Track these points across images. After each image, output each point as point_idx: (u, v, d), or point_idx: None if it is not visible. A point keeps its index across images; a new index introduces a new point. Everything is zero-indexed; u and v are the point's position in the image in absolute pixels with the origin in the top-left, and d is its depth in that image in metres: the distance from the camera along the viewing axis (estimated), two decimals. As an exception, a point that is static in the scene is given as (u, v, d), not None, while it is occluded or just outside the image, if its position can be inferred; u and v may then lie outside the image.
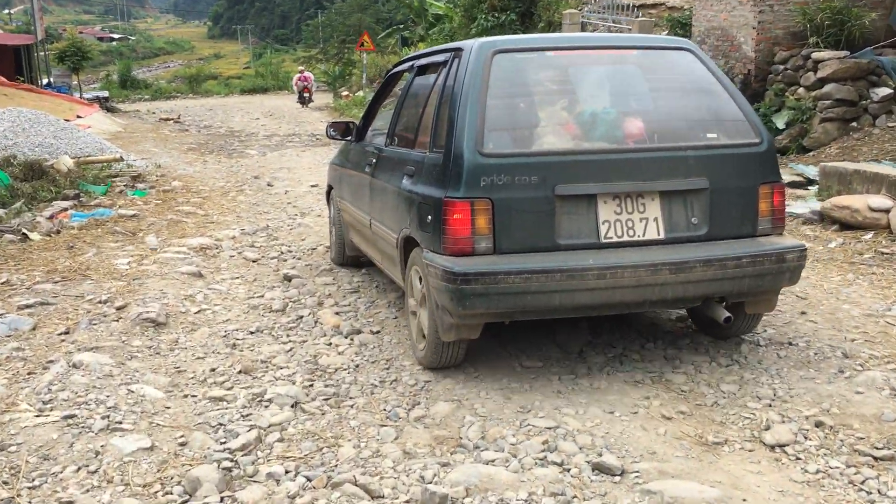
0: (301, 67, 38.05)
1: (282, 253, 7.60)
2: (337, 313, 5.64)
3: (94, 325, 5.34)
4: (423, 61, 5.04)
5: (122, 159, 13.06)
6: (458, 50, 4.35)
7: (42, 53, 35.01)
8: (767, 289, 4.17)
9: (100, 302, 5.83)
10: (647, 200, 3.98)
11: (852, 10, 11.77)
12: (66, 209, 9.45)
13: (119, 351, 4.86)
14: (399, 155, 4.85)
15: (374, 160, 5.32)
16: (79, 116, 21.37)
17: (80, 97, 30.53)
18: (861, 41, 11.82)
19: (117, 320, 5.44)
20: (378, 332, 5.22)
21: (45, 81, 33.24)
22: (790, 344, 4.77)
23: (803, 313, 5.32)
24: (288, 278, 6.55)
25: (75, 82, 35.45)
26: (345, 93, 30.75)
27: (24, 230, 8.00)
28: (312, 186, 11.61)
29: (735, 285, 4.00)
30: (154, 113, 30.42)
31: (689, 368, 4.46)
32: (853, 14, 11.70)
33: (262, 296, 6.15)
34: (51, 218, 8.88)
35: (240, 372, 4.55)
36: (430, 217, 4.00)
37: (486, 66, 4.04)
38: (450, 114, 4.04)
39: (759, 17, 12.29)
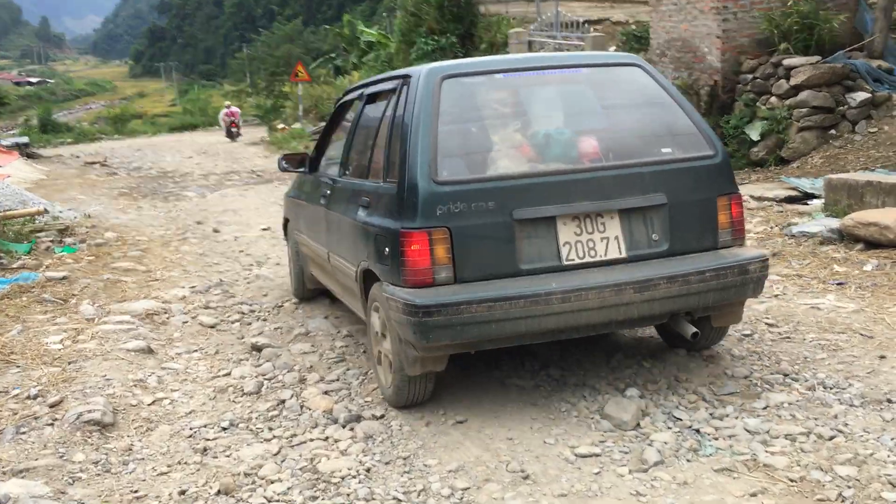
0: (227, 103, 37.03)
1: (243, 314, 6.53)
2: (326, 393, 4.61)
3: (23, 433, 4.21)
4: (372, 89, 4.93)
5: (46, 211, 11.76)
6: (406, 77, 4.24)
7: (-46, 101, 33.03)
8: (733, 301, 4.07)
9: (28, 398, 4.69)
10: (607, 219, 3.91)
11: (820, 13, 11.22)
12: (-16, 275, 8.20)
13: (57, 472, 3.76)
14: (353, 186, 4.75)
15: (328, 191, 5.22)
16: (-3, 165, 19.82)
17: (-2, 144, 28.77)
18: (830, 46, 11.29)
19: (52, 423, 4.32)
20: (382, 416, 4.22)
21: (-42, 130, 31.31)
22: (890, 401, 3.92)
23: (882, 357, 4.49)
24: (257, 348, 5.49)
25: (-8, 129, 33.52)
26: (280, 126, 29.56)
27: (-67, 306, 6.76)
28: (264, 230, 10.52)
29: (700, 300, 3.90)
30: (78, 157, 28.71)
31: (784, 444, 3.57)
32: (822, 18, 11.15)
33: (230, 373, 5.10)
34: (-34, 287, 7.63)
35: (218, 493, 3.51)
36: (387, 249, 3.90)
37: (436, 92, 3.94)
38: (402, 142, 3.92)
39: (722, 25, 11.67)
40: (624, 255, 3.91)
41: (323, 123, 24.43)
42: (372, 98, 4.93)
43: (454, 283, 3.74)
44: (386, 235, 3.92)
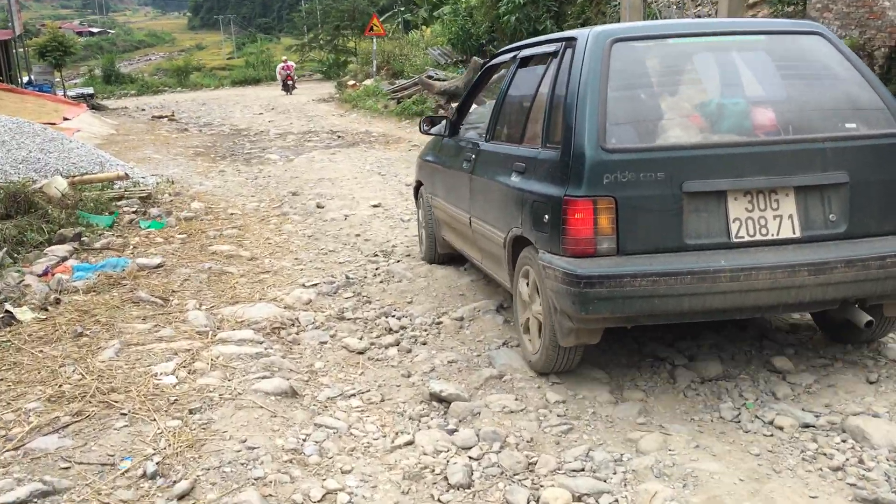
0: (284, 57, 37.61)
1: (394, 333, 5.01)
2: (578, 499, 3.05)
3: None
4: (528, 52, 4.71)
5: (127, 176, 10.35)
6: (571, 39, 4.00)
7: (21, 50, 31.94)
8: None
9: (144, 476, 3.23)
10: (781, 196, 3.62)
11: None
12: (64, 258, 6.79)
13: None
14: (504, 151, 4.55)
15: (472, 156, 5.02)
16: (65, 118, 18.58)
17: (65, 96, 27.63)
18: None
19: (184, 533, 2.83)
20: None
21: (25, 79, 30.23)
22: None
23: None
24: (439, 398, 3.96)
25: (57, 79, 32.44)
26: (351, 82, 27.90)
27: (8, 307, 5.34)
28: (375, 207, 8.97)
29: (878, 287, 3.60)
30: (144, 109, 27.58)
31: None
32: None
33: (412, 441, 3.59)
34: (45, 275, 6.22)
35: None
36: (547, 216, 3.71)
37: (605, 56, 3.71)
38: (566, 107, 3.72)
39: (905, -24, 9.73)
40: (798, 234, 3.62)
41: (401, 81, 22.91)
42: (526, 61, 4.68)
43: (616, 255, 3.52)
44: (547, 202, 3.72)
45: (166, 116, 23.43)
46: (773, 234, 3.60)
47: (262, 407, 3.87)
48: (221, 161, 13.90)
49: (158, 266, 6.58)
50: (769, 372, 4.09)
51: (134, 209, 9.13)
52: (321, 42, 44.79)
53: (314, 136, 17.03)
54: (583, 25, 18.22)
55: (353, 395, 4.11)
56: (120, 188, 10.05)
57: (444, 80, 18.13)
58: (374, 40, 26.64)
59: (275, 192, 10.36)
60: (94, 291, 5.89)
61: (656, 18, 15.31)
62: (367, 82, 26.41)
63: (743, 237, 3.59)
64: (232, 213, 9.10)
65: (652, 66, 3.94)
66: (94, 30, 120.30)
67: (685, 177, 3.53)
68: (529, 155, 4.12)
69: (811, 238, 3.63)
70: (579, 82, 3.69)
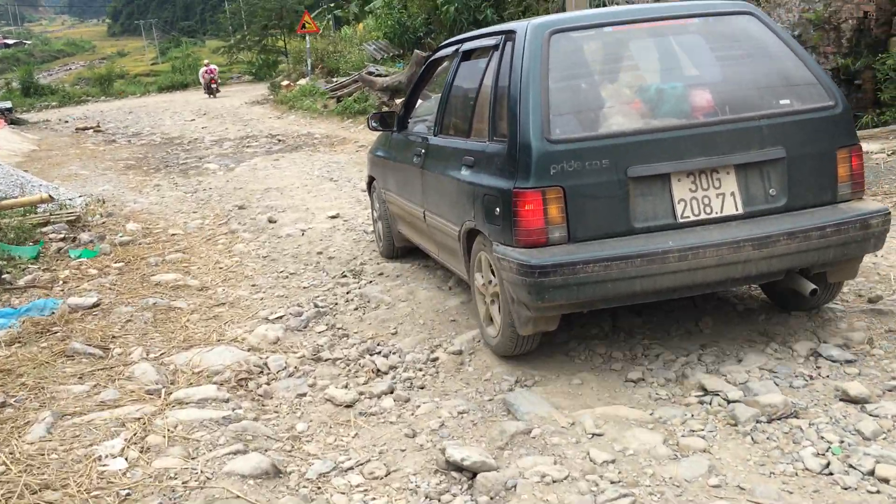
0: (206, 60, 37.45)
1: (385, 376, 4.22)
2: None
3: None
4: (469, 46, 4.74)
5: (51, 199, 9.30)
6: (510, 32, 4.03)
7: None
8: (853, 256, 3.84)
9: None
10: (723, 175, 3.69)
11: None
12: (-19, 303, 5.82)
13: None
14: (452, 145, 4.57)
15: (422, 150, 5.05)
16: (-19, 136, 17.18)
17: (-20, 111, 25.96)
18: None
19: None
20: None
21: (-64, 96, 28.38)
22: None
23: None
24: (459, 467, 3.18)
25: (-28, 94, 30.54)
26: (285, 83, 26.78)
27: (-89, 375, 4.39)
28: (333, 218, 8.12)
29: (820, 256, 3.68)
30: (67, 122, 26.07)
31: None
32: None
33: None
34: (-42, 326, 5.26)
35: None
36: (498, 209, 3.74)
37: (545, 48, 3.73)
38: (510, 100, 3.74)
39: (872, -58, 9.27)
40: (740, 211, 3.69)
41: (339, 79, 21.94)
42: (468, 55, 4.71)
43: (567, 243, 3.56)
44: (497, 195, 3.75)
45: (91, 128, 22.07)
46: (717, 213, 3.66)
47: (239, 496, 3.05)
48: (155, 174, 12.85)
49: (94, 306, 5.66)
50: (844, 402, 3.42)
51: (62, 236, 8.13)
52: (249, 43, 43.31)
53: (253, 142, 16.03)
54: (524, 14, 17.56)
55: (351, 467, 3.31)
56: (44, 212, 9.00)
57: (385, 76, 17.27)
58: (308, 38, 25.55)
59: (219, 207, 9.42)
60: (18, 343, 4.98)
61: (602, 6, 14.73)
62: (302, 82, 25.36)
63: (688, 217, 3.63)
64: (174, 234, 8.16)
65: (590, 56, 3.94)
66: (10, 41, 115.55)
67: (629, 162, 3.56)
68: (477, 149, 4.14)
69: (753, 213, 3.69)
70: (521, 75, 3.70)
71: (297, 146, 14.66)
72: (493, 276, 4.01)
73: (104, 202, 9.82)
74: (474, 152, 4.17)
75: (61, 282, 6.42)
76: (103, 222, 8.99)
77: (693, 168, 3.65)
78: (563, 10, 15.43)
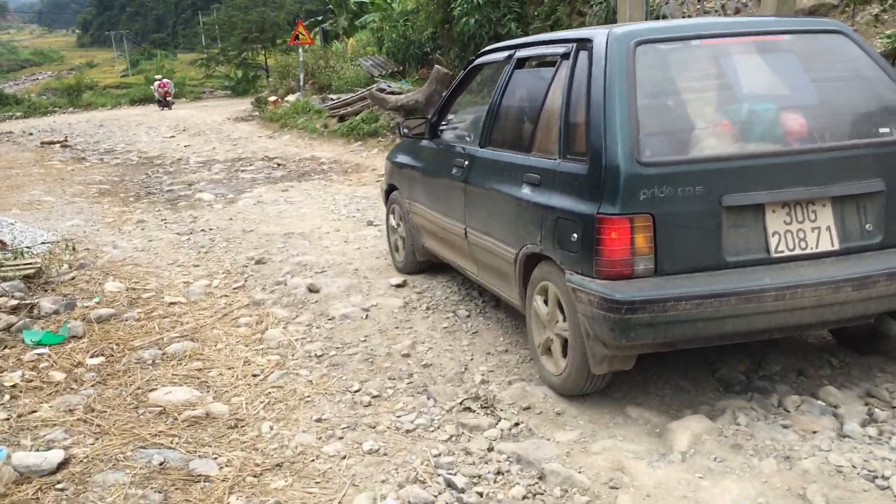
0: (158, 76, 36.83)
1: None
2: None
3: None
4: (528, 52, 4.34)
5: (2, 245, 6.83)
6: (585, 41, 3.62)
7: None
8: None
9: None
10: (819, 207, 3.37)
11: None
12: None
13: None
14: (507, 160, 4.14)
15: (465, 163, 4.62)
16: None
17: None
18: None
19: None
20: None
21: None
22: None
23: None
24: None
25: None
26: (272, 98, 24.31)
27: None
28: (399, 287, 5.75)
29: None
30: (31, 134, 23.30)
31: None
32: None
33: None
34: None
35: None
36: (575, 235, 3.36)
37: (630, 61, 3.34)
38: (592, 116, 3.36)
39: None
40: (836, 247, 3.36)
41: (339, 96, 19.56)
42: (524, 62, 4.35)
43: (654, 276, 3.19)
44: (575, 220, 3.37)
45: (58, 142, 19.42)
46: (811, 248, 3.35)
47: None
48: (136, 204, 10.37)
49: (59, 468, 3.25)
50: None
51: (14, 303, 5.68)
52: (228, 56, 40.71)
53: (247, 165, 13.59)
54: (551, 28, 15.45)
55: None
56: (-7, 264, 6.54)
57: (399, 94, 14.96)
58: (300, 51, 23.12)
59: (227, 259, 7.00)
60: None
61: (658, 16, 12.58)
62: (291, 98, 22.94)
63: (783, 252, 3.32)
64: (172, 304, 5.74)
65: (677, 71, 3.52)
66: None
67: (724, 190, 3.23)
68: (545, 166, 3.72)
69: (848, 250, 3.38)
70: (604, 89, 3.33)
71: (303, 173, 12.25)
72: (559, 309, 3.61)
73: (74, 248, 7.34)
74: (540, 170, 3.77)
75: (5, 401, 4.00)
76: (73, 277, 6.55)
77: (789, 199, 3.33)
78: (606, 21, 13.30)
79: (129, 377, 4.37)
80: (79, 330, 5.16)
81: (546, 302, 3.74)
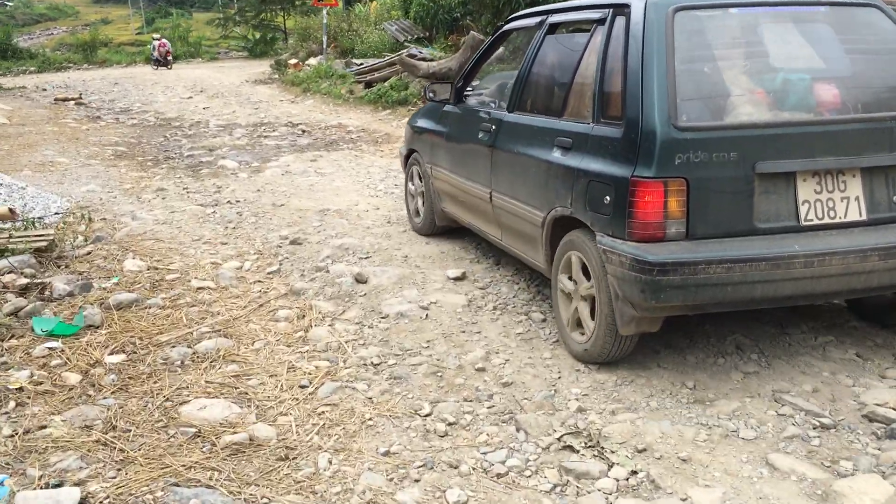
0: (156, 35, 36.21)
1: None
2: None
3: None
4: (560, 17, 4.28)
5: (14, 215, 6.15)
6: (622, 6, 3.59)
7: None
8: None
9: None
10: (849, 178, 3.38)
11: None
12: None
13: None
14: (538, 124, 4.13)
15: (492, 127, 4.60)
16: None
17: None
18: None
19: None
20: None
21: None
22: None
23: None
24: None
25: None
26: (292, 61, 23.46)
27: None
28: (458, 279, 5.05)
29: None
30: (45, 90, 22.56)
31: None
32: None
33: None
34: None
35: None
36: (608, 198, 3.37)
37: (669, 26, 3.33)
38: (629, 80, 3.35)
39: None
40: (864, 217, 3.38)
41: (367, 60, 18.70)
42: (557, 27, 4.30)
43: (685, 240, 3.21)
44: (609, 183, 3.37)
45: (73, 99, 18.69)
46: (840, 217, 3.35)
47: None
48: (155, 169, 9.67)
49: (76, 512, 2.58)
50: None
51: (24, 281, 5.03)
52: (246, 17, 39.67)
53: (271, 131, 12.84)
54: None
55: None
56: (3, 233, 5.88)
57: (431, 60, 14.15)
58: (325, 12, 22.21)
59: (258, 238, 6.31)
60: None
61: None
62: (313, 61, 22.10)
63: (812, 220, 3.33)
64: (200, 289, 5.07)
65: (714, 38, 3.50)
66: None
67: (757, 157, 3.23)
68: (578, 130, 3.71)
69: (876, 221, 3.38)
70: (642, 54, 3.31)
71: (330, 142, 11.51)
72: (584, 273, 3.62)
73: (91, 219, 6.65)
74: (572, 133, 3.75)
75: (11, 408, 3.34)
76: (88, 252, 5.89)
77: (820, 168, 3.32)
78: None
79: (156, 382, 3.70)
80: (96, 318, 4.50)
81: (578, 265, 3.71)
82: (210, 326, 4.45)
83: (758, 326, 4.06)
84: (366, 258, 5.54)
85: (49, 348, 4.07)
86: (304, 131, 12.65)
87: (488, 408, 3.38)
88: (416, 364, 3.83)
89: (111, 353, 4.06)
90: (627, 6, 3.55)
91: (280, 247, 6.00)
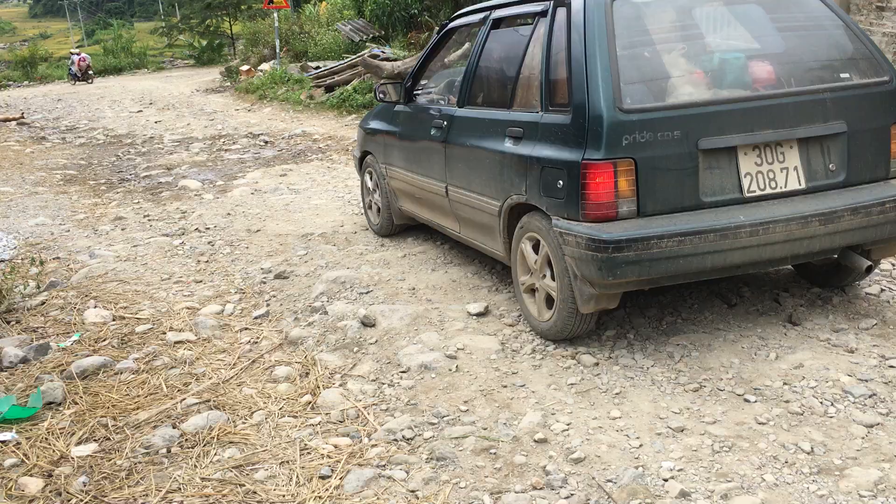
0: (74, 49, 35.43)
1: None
2: None
3: None
4: (503, 12, 4.38)
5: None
6: None
7: None
8: None
9: None
10: (786, 149, 3.53)
11: None
12: None
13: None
14: (489, 116, 4.22)
15: (444, 123, 4.65)
16: None
17: None
18: None
19: None
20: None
21: None
22: None
23: None
24: None
25: None
26: (244, 68, 22.44)
27: None
28: (480, 315, 4.33)
29: (878, 232, 3.55)
30: (-16, 111, 21.21)
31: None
32: None
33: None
34: None
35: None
36: (561, 182, 3.47)
37: (608, 14, 3.48)
38: (574, 69, 3.47)
39: None
40: (803, 186, 3.53)
41: (326, 63, 17.79)
42: (500, 22, 4.39)
43: (637, 217, 3.33)
44: (561, 168, 3.48)
45: (14, 119, 17.51)
46: (781, 187, 3.49)
47: None
48: (110, 194, 8.78)
49: None
50: None
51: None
52: (191, 24, 38.36)
53: (231, 144, 11.98)
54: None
55: None
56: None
57: (395, 60, 13.37)
58: (276, 15, 21.23)
59: (237, 272, 5.52)
60: None
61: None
62: (266, 67, 21.15)
63: (754, 191, 3.45)
64: (177, 344, 4.29)
65: (652, 23, 3.63)
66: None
67: (700, 134, 3.36)
68: (528, 119, 3.81)
69: (815, 188, 3.54)
70: (584, 42, 3.43)
71: (297, 153, 10.69)
72: (545, 257, 3.69)
73: (41, 260, 5.78)
74: (523, 123, 3.83)
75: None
76: (42, 302, 5.10)
77: (759, 141, 3.44)
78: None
79: (138, 484, 2.93)
80: (57, 393, 3.71)
81: (535, 249, 3.79)
82: (196, 395, 3.67)
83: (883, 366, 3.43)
84: (367, 293, 4.79)
85: (1, 443, 3.26)
86: (266, 142, 11.81)
87: (566, 498, 2.67)
88: (460, 437, 3.11)
89: (79, 443, 3.28)
90: None
91: (264, 282, 5.22)
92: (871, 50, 3.74)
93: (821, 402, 3.11)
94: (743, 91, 3.51)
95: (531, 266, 3.86)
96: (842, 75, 3.66)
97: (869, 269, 3.73)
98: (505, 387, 3.49)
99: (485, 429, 3.16)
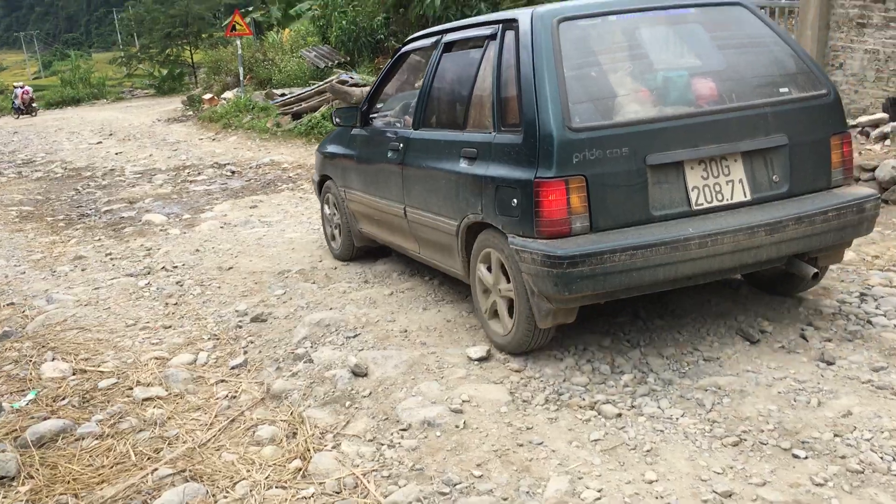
0: (18, 83, 35.42)
1: None
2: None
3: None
4: (455, 36, 4.46)
5: None
6: (510, 21, 3.84)
7: None
8: (847, 240, 3.81)
9: None
10: (731, 162, 3.61)
11: None
12: None
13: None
14: (443, 138, 4.28)
15: (400, 146, 4.69)
16: None
17: None
18: None
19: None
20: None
21: None
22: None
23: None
24: None
25: None
26: (207, 96, 21.93)
27: None
28: (482, 360, 3.93)
29: (822, 240, 3.64)
30: (-64, 146, 20.43)
31: None
32: None
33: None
34: None
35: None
36: (515, 200, 3.54)
37: (555, 36, 3.57)
38: (524, 90, 3.55)
39: None
40: (748, 197, 3.61)
41: (293, 90, 17.29)
42: (452, 46, 4.46)
43: (590, 233, 3.40)
44: (514, 186, 3.53)
45: (-33, 154, 16.82)
46: (727, 199, 3.57)
47: None
48: (69, 231, 8.26)
49: None
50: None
51: None
52: (151, 53, 37.71)
53: (196, 175, 11.51)
54: (528, 4, 13.89)
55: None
56: None
57: (364, 85, 13.03)
58: (239, 42, 20.79)
59: (209, 315, 5.08)
60: None
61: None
62: (229, 95, 20.68)
63: (702, 204, 3.53)
64: (146, 401, 3.84)
65: (597, 44, 3.76)
66: None
67: (647, 150, 3.43)
68: (481, 140, 3.88)
69: (760, 199, 3.61)
70: (533, 64, 3.53)
71: (267, 182, 10.26)
72: (502, 272, 3.77)
73: (-8, 308, 5.29)
74: (476, 144, 3.90)
75: None
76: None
77: (704, 156, 3.53)
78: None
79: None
80: (10, 466, 3.27)
81: (490, 268, 3.86)
82: (170, 464, 3.23)
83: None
84: (354, 337, 4.38)
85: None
86: (233, 172, 11.36)
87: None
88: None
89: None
90: (515, 20, 3.75)
91: (240, 326, 4.79)
92: (809, 65, 3.84)
93: (881, 458, 2.77)
94: (687, 108, 3.59)
95: (488, 283, 3.93)
96: (781, 90, 3.76)
97: (816, 277, 3.84)
98: (521, 445, 3.10)
99: (505, 499, 2.76)
